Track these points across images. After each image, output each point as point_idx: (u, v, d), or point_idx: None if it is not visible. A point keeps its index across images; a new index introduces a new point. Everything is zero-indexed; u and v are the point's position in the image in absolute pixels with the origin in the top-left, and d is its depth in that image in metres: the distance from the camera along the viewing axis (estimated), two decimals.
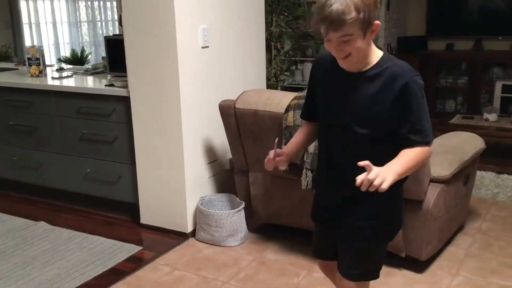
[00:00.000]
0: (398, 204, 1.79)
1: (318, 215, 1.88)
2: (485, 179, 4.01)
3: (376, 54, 1.61)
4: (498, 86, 5.67)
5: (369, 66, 1.60)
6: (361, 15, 1.46)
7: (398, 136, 1.59)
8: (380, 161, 1.51)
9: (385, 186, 1.45)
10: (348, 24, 1.45)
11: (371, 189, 1.46)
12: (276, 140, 1.82)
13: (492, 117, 4.61)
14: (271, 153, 1.78)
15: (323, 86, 1.73)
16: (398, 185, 1.62)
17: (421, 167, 2.44)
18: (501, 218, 3.38)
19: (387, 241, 1.79)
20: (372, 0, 1.49)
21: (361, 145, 1.63)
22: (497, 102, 5.64)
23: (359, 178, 1.46)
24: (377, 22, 1.52)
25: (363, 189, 1.47)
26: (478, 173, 3.87)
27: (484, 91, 5.94)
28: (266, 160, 1.80)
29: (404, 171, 1.53)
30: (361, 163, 1.47)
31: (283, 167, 1.83)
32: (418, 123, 1.56)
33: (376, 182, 1.44)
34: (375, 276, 1.81)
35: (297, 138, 1.87)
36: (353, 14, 1.45)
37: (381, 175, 1.45)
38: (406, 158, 1.55)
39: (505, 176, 4.07)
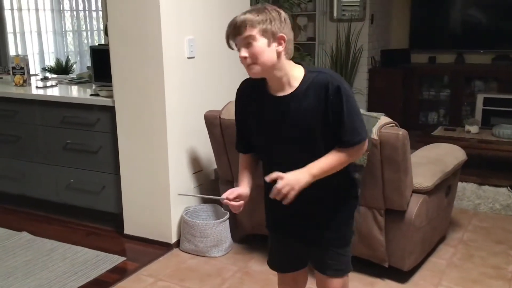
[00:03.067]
0: (353, 207, 1.86)
1: (279, 228, 1.91)
2: (466, 190, 4.07)
3: (298, 73, 1.66)
4: (480, 98, 5.77)
5: (293, 87, 1.65)
6: (261, 25, 1.58)
7: (335, 138, 1.66)
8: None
9: (291, 195, 1.60)
10: (249, 27, 1.58)
11: (279, 198, 1.61)
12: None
13: (473, 129, 4.68)
14: (230, 203, 1.80)
15: (253, 116, 1.76)
16: (345, 183, 1.78)
17: (403, 178, 2.49)
18: (482, 228, 3.42)
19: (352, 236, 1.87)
20: (276, 14, 1.61)
21: (306, 161, 1.66)
22: (478, 115, 5.73)
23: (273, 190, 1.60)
24: (281, 34, 1.60)
25: (274, 197, 1.61)
26: (460, 184, 3.93)
27: (466, 103, 6.03)
28: (231, 207, 1.82)
29: (321, 173, 1.64)
30: (268, 178, 1.62)
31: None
32: (351, 124, 1.63)
33: (284, 191, 1.60)
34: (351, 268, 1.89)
35: (246, 176, 1.86)
36: (254, 19, 1.58)
37: (290, 184, 1.60)
38: (329, 160, 1.65)
39: (486, 187, 4.13)
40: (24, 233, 3.34)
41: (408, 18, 6.44)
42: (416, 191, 2.63)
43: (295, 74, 1.66)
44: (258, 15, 1.59)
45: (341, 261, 1.84)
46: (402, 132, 2.43)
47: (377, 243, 2.62)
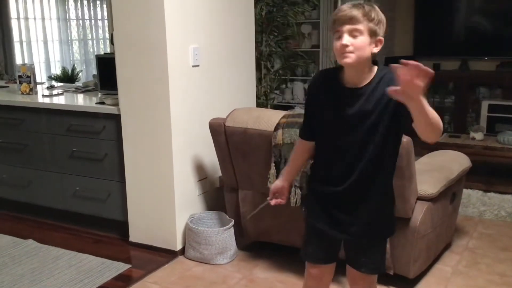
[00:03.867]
0: (393, 201, 1.95)
1: (322, 219, 1.92)
2: (471, 197, 4.06)
3: (373, 69, 1.76)
4: (484, 105, 5.76)
5: (369, 80, 1.74)
6: (372, 23, 1.69)
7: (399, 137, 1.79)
8: (389, 162, 1.79)
9: (421, 83, 1.49)
10: (361, 22, 1.68)
11: (421, 71, 1.49)
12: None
13: (478, 136, 4.67)
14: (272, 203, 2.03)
15: (323, 104, 1.83)
16: (390, 184, 1.87)
17: (407, 185, 2.49)
18: (488, 236, 3.41)
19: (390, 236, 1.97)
20: (384, 19, 1.73)
21: (368, 159, 1.76)
22: (483, 121, 5.72)
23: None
24: (381, 37, 1.72)
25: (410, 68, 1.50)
26: (465, 191, 3.92)
27: (471, 110, 6.02)
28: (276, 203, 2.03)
29: (427, 108, 1.55)
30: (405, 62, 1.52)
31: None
32: None
33: (420, 73, 1.51)
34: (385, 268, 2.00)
35: (298, 161, 2.03)
36: (370, 17, 1.69)
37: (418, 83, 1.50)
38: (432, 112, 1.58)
39: (491, 194, 4.12)
40: (30, 241, 3.35)
41: (411, 25, 6.45)
42: (420, 198, 2.63)
43: (371, 72, 1.76)
44: (372, 14, 1.70)
45: (376, 259, 1.93)
46: (406, 139, 2.43)
47: None
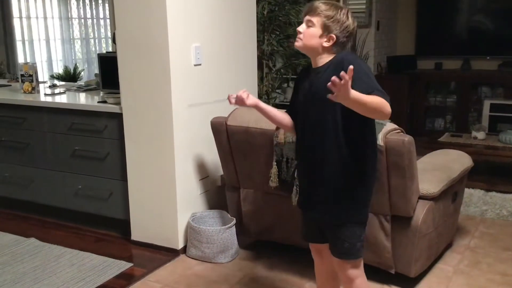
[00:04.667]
0: (365, 185, 2.00)
1: (302, 204, 2.13)
2: (473, 196, 4.05)
3: (330, 57, 1.93)
4: (486, 105, 5.76)
5: (325, 62, 1.93)
6: (326, 19, 1.89)
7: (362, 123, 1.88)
8: (343, 142, 1.87)
9: (342, 91, 1.61)
10: (316, 16, 1.90)
11: (335, 85, 1.61)
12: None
13: (480, 135, 4.67)
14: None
15: (300, 88, 2.05)
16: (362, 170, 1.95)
17: (409, 184, 2.49)
18: (489, 235, 3.41)
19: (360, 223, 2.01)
20: (342, 19, 1.90)
21: (322, 130, 1.91)
22: (485, 121, 5.72)
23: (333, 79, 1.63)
24: (332, 35, 1.89)
25: (333, 82, 1.62)
26: (467, 190, 3.92)
27: (473, 109, 6.02)
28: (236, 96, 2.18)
29: (359, 97, 1.66)
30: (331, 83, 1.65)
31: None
32: (371, 87, 1.76)
33: (339, 85, 1.60)
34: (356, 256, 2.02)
35: (277, 114, 2.14)
36: (324, 12, 1.90)
37: (344, 86, 1.62)
38: (365, 96, 1.70)
39: (493, 193, 4.11)
40: (32, 239, 3.36)
41: (414, 24, 6.45)
42: (422, 198, 2.63)
43: (329, 58, 1.93)
44: (328, 10, 1.89)
45: (342, 243, 1.98)
46: (408, 138, 2.44)
47: (383, 249, 2.62)
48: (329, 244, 2.06)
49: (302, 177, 2.11)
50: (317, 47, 1.92)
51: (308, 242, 2.22)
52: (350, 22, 1.91)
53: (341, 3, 1.90)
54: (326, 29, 1.89)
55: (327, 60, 1.93)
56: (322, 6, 1.90)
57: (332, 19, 1.89)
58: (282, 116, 2.13)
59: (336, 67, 1.83)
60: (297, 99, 2.07)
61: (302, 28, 1.94)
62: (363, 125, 1.91)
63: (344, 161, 1.91)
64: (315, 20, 1.90)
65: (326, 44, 1.90)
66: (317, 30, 1.90)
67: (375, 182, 2.05)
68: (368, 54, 6.04)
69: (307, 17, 1.93)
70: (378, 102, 1.72)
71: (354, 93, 1.65)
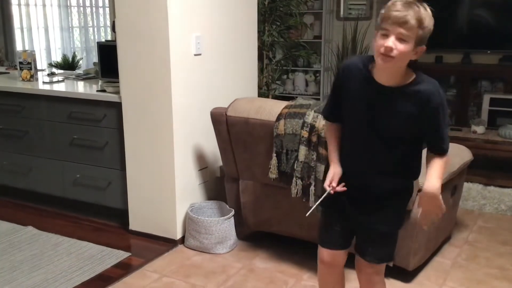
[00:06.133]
0: (408, 200, 1.99)
1: (336, 206, 1.95)
2: (472, 190, 4.06)
3: (410, 73, 1.74)
4: (486, 99, 5.74)
5: (405, 83, 1.72)
6: (422, 31, 1.63)
7: (423, 142, 1.81)
8: (402, 165, 1.82)
9: (443, 209, 1.82)
10: (412, 29, 1.60)
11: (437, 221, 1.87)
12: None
13: (479, 129, 4.66)
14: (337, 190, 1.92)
15: (352, 94, 1.82)
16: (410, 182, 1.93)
17: None
18: (487, 229, 3.42)
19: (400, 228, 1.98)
20: (430, 28, 1.66)
21: (389, 153, 1.81)
22: (484, 115, 5.70)
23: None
24: (423, 47, 1.67)
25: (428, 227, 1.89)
26: (466, 184, 3.92)
27: (472, 103, 6.01)
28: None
29: (441, 180, 1.80)
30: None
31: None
32: (443, 136, 1.78)
33: (435, 221, 1.87)
34: (393, 258, 2.03)
35: (334, 149, 1.95)
36: (423, 24, 1.63)
37: (432, 212, 1.83)
38: (439, 167, 1.80)
39: (492, 188, 4.12)
40: (30, 228, 3.35)
41: None
42: (421, 191, 2.61)
43: (408, 74, 1.73)
44: (425, 21, 1.62)
45: (383, 249, 1.94)
46: None
47: None
48: (363, 250, 1.97)
49: (349, 178, 1.91)
50: (406, 62, 1.68)
51: (330, 250, 2.03)
52: (433, 23, 1.67)
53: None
54: (420, 42, 1.64)
55: (406, 81, 1.71)
56: (417, 16, 1.59)
57: (428, 30, 1.64)
58: (338, 138, 1.95)
59: (421, 101, 1.69)
60: (348, 104, 1.84)
61: (393, 43, 1.60)
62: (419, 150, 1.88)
63: (400, 170, 1.85)
64: (411, 34, 1.60)
65: (414, 57, 1.67)
66: (410, 45, 1.62)
67: None
68: (369, 46, 6.02)
69: (400, 31, 1.60)
70: (445, 167, 1.82)
71: (436, 183, 1.78)
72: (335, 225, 1.99)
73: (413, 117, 1.72)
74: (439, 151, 1.80)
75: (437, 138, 1.77)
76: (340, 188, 1.88)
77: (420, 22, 1.61)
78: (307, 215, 1.94)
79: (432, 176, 1.79)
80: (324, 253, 2.05)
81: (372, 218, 1.90)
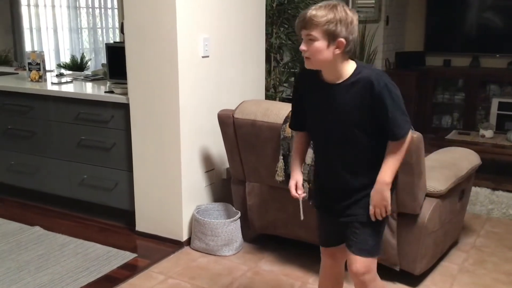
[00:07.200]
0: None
1: (322, 206, 2.05)
2: (480, 195, 4.03)
3: (351, 66, 1.80)
4: (495, 103, 5.72)
5: (344, 78, 1.80)
6: (327, 26, 1.70)
7: (382, 130, 1.81)
8: (371, 158, 1.85)
9: (388, 209, 1.86)
10: (315, 28, 1.70)
11: (381, 218, 1.88)
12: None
13: (488, 133, 4.64)
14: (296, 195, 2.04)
15: (307, 98, 1.93)
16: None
17: (416, 181, 2.47)
18: (495, 234, 3.39)
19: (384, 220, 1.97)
20: (346, 20, 1.71)
21: (354, 149, 1.86)
22: (493, 119, 5.68)
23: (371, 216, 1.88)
24: (340, 39, 1.71)
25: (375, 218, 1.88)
26: (473, 189, 3.90)
27: (481, 107, 5.98)
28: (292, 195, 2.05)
29: (393, 174, 1.83)
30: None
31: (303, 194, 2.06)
32: (395, 121, 1.77)
33: (382, 215, 1.87)
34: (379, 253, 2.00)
35: (298, 159, 2.06)
36: (321, 20, 1.69)
37: (378, 206, 1.85)
38: (391, 163, 1.82)
39: (500, 192, 4.09)
40: (37, 228, 3.37)
41: (423, 20, 6.40)
42: (429, 195, 2.61)
43: (347, 68, 1.79)
44: (326, 15, 1.69)
45: (365, 240, 1.93)
46: (416, 135, 2.41)
47: (388, 246, 2.60)
48: (348, 240, 1.98)
49: (324, 180, 2.00)
50: (330, 59, 1.74)
51: (326, 248, 2.12)
52: (351, 15, 1.72)
53: (332, 1, 1.74)
54: (331, 37, 1.70)
55: (347, 73, 1.78)
56: (316, 14, 1.69)
57: (333, 23, 1.69)
58: (304, 148, 2.06)
59: (365, 88, 1.75)
60: (305, 110, 1.94)
61: (303, 46, 1.74)
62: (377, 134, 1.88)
63: (372, 165, 1.86)
64: (315, 32, 1.70)
65: (338, 51, 1.72)
66: (321, 42, 1.71)
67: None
68: (377, 49, 6.00)
69: (305, 32, 1.73)
70: (401, 157, 1.82)
71: (386, 179, 1.81)
72: (325, 223, 2.07)
73: (362, 106, 1.77)
74: (393, 137, 1.79)
75: (389, 123, 1.77)
76: (302, 195, 2.02)
77: (318, 21, 1.69)
78: (301, 219, 2.03)
79: (384, 169, 1.82)
80: (323, 251, 2.15)
81: (351, 211, 1.92)
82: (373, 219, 1.88)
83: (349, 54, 1.77)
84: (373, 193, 1.85)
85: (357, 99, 1.78)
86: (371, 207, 1.86)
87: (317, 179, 2.06)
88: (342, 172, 1.89)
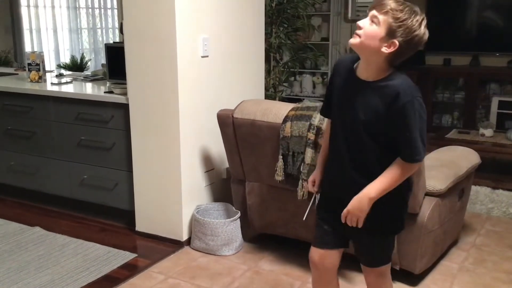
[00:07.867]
0: (399, 199, 1.89)
1: (328, 206, 1.97)
2: (480, 194, 4.03)
3: (388, 72, 1.72)
4: (495, 102, 5.71)
5: (375, 79, 1.72)
6: (393, 20, 1.63)
7: (395, 144, 1.73)
8: (379, 162, 1.75)
9: (360, 221, 1.78)
10: (385, 14, 1.63)
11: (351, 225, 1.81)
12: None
13: (488, 132, 4.64)
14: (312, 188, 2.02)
15: (335, 85, 1.87)
16: (398, 191, 1.81)
17: (416, 180, 2.47)
18: (495, 233, 3.39)
19: (394, 233, 1.95)
20: (413, 31, 1.64)
21: (364, 143, 1.77)
22: (493, 118, 5.68)
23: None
24: (395, 41, 1.64)
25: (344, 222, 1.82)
26: (473, 188, 3.89)
27: (481, 106, 5.98)
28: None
29: (382, 193, 1.75)
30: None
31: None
32: (411, 143, 1.70)
33: (353, 224, 1.79)
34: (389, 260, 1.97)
35: (325, 144, 1.98)
36: (394, 11, 1.63)
37: (352, 214, 1.78)
38: (386, 181, 1.74)
39: (500, 191, 4.09)
40: (37, 228, 3.37)
41: None
42: (429, 194, 2.61)
43: (384, 71, 1.72)
44: (401, 12, 1.63)
45: (376, 253, 1.92)
46: None
47: None
48: (358, 254, 1.97)
49: (334, 175, 1.92)
50: (375, 51, 1.67)
51: (319, 248, 1.99)
52: (422, 32, 1.66)
53: (417, 8, 1.69)
54: (390, 33, 1.63)
55: (381, 76, 1.71)
56: (393, 4, 1.63)
57: (400, 23, 1.62)
58: (326, 152, 1.98)
59: (389, 96, 1.67)
60: (333, 99, 1.88)
61: (363, 23, 1.67)
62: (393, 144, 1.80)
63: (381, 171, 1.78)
64: (382, 18, 1.63)
65: (385, 50, 1.65)
66: (380, 31, 1.64)
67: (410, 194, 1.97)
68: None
69: (373, 12, 1.65)
70: (400, 179, 1.74)
71: (372, 194, 1.73)
72: (324, 224, 1.97)
73: (380, 112, 1.70)
74: (404, 156, 1.72)
75: (404, 142, 1.69)
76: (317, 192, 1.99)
77: (394, 9, 1.63)
78: (304, 218, 2.01)
79: (375, 183, 1.74)
80: (313, 253, 2.01)
81: (358, 230, 1.82)
82: (343, 221, 1.81)
83: (394, 63, 1.70)
84: (355, 198, 1.76)
85: (378, 105, 1.70)
86: (345, 210, 1.79)
87: (328, 172, 1.94)
88: (349, 174, 1.82)
